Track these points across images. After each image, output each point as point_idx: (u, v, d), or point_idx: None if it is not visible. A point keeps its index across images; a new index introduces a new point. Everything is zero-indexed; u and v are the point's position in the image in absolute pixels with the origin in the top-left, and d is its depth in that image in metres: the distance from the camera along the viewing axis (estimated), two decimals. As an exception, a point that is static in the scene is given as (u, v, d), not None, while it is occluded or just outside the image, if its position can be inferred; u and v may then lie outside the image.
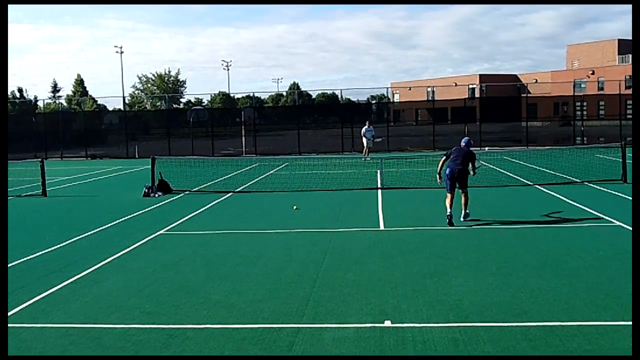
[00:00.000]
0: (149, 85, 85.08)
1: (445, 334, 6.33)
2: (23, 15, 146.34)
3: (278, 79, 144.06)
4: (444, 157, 12.96)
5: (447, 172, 12.56)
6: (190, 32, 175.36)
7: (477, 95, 64.40)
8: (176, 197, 17.79)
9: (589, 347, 5.94)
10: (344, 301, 7.52)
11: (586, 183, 17.89)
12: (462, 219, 12.38)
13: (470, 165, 12.63)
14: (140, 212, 15.14)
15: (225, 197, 17.59)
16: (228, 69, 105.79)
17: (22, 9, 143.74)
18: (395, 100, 74.47)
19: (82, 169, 29.81)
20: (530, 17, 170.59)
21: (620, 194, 15.50)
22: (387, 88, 61.04)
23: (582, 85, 62.40)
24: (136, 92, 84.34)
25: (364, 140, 29.40)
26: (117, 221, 13.78)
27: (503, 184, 18.66)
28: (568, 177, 19.28)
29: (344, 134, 37.93)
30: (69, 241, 11.66)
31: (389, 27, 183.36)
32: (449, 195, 12.39)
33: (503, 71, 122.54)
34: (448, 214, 12.18)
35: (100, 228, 12.96)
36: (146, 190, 18.16)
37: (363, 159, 27.89)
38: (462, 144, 12.88)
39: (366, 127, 29.53)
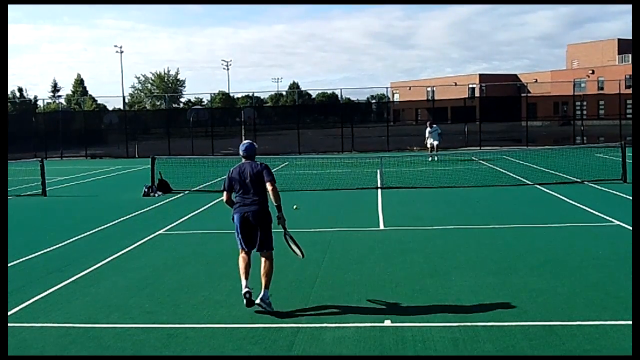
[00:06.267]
0: (148, 85, 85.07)
1: (445, 334, 6.33)
2: (22, 15, 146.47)
3: (278, 79, 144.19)
4: (225, 189, 7.55)
5: (236, 218, 7.38)
6: (189, 32, 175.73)
7: (477, 94, 64.41)
8: (176, 196, 17.79)
9: (588, 346, 5.93)
10: (343, 301, 7.51)
11: (586, 183, 17.89)
12: (258, 301, 7.14)
13: (270, 194, 7.32)
14: (140, 211, 15.13)
15: (225, 196, 17.56)
16: (228, 69, 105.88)
17: (22, 9, 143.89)
18: (395, 100, 74.47)
19: (81, 168, 29.80)
20: (528, 17, 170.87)
21: (620, 194, 15.50)
22: (387, 88, 61.05)
23: (582, 85, 62.44)
24: (136, 92, 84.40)
25: (430, 141, 27.36)
26: (117, 221, 13.77)
27: (503, 183, 18.66)
28: (568, 177, 19.27)
29: (344, 133, 37.94)
30: (69, 241, 11.66)
31: (386, 27, 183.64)
32: (242, 253, 7.47)
33: (501, 71, 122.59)
34: (244, 290, 7.20)
35: (100, 228, 12.95)
36: (146, 190, 18.16)
37: (431, 159, 27.02)
38: (242, 152, 7.55)
39: (428, 128, 27.56)
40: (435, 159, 27.09)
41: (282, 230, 7.52)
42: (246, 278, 7.29)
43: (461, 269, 8.82)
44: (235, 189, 7.41)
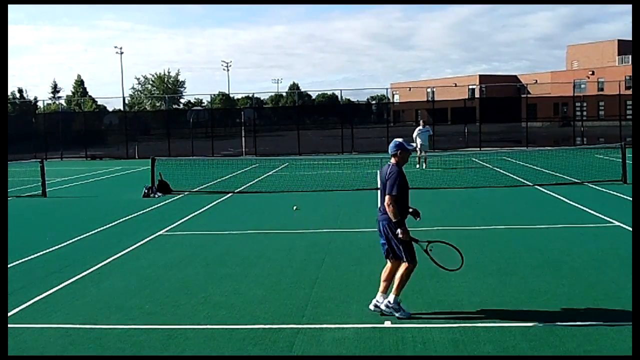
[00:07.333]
0: (148, 86, 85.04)
1: (445, 335, 6.33)
2: (22, 16, 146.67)
3: (278, 80, 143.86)
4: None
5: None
6: (188, 33, 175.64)
7: (477, 95, 64.44)
8: (176, 197, 17.79)
9: (588, 347, 5.94)
10: (343, 302, 7.51)
11: (586, 183, 17.90)
12: (372, 306, 6.98)
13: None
14: (140, 212, 15.13)
15: (225, 197, 17.59)
16: (227, 70, 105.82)
17: (21, 9, 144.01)
18: (395, 101, 74.46)
19: (82, 169, 29.81)
20: (528, 18, 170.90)
21: (620, 195, 15.50)
22: (387, 89, 60.99)
23: (582, 86, 62.36)
24: (136, 93, 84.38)
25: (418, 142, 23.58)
26: (117, 222, 13.77)
27: (503, 184, 18.66)
28: (568, 178, 19.28)
29: (344, 134, 37.95)
30: (69, 241, 11.66)
31: (386, 28, 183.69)
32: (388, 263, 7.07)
33: (501, 72, 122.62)
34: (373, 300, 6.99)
35: (100, 228, 12.95)
36: (146, 191, 18.16)
37: (418, 166, 24.11)
38: (390, 151, 7.00)
39: (420, 127, 24.59)
40: (424, 166, 24.28)
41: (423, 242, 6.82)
42: (383, 291, 6.97)
43: (461, 270, 8.80)
44: None
